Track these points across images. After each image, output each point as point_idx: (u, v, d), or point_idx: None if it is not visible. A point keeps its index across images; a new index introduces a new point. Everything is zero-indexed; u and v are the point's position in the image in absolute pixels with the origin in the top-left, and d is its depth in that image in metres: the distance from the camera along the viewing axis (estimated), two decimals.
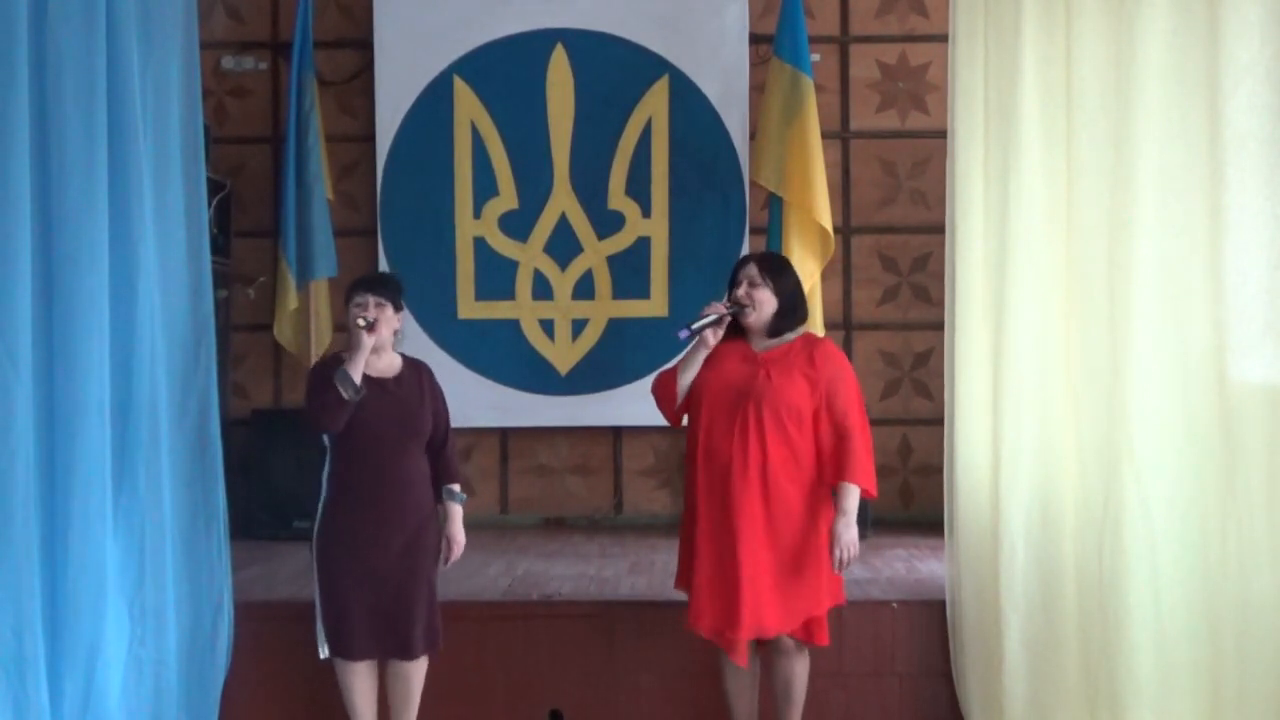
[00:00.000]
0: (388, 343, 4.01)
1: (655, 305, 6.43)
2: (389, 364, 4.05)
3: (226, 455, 4.41)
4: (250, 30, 6.67)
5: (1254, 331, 3.98)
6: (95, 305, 3.73)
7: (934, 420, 5.25)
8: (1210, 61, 4.00)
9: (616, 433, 6.57)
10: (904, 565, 5.25)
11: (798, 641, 3.96)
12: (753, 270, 3.95)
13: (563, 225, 6.46)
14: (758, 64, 6.38)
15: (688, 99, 6.41)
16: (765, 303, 3.92)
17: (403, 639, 3.94)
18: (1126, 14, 4.09)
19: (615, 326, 6.44)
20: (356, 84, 6.58)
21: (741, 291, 3.93)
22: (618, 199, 6.45)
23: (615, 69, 6.42)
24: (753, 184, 6.23)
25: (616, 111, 6.44)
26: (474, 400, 6.16)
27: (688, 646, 4.08)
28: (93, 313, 3.72)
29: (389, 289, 4.02)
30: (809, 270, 5.78)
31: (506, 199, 6.46)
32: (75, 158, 3.69)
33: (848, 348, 6.48)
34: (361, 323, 3.90)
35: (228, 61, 6.63)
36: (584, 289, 6.46)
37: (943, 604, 4.47)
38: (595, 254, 6.45)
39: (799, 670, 4.02)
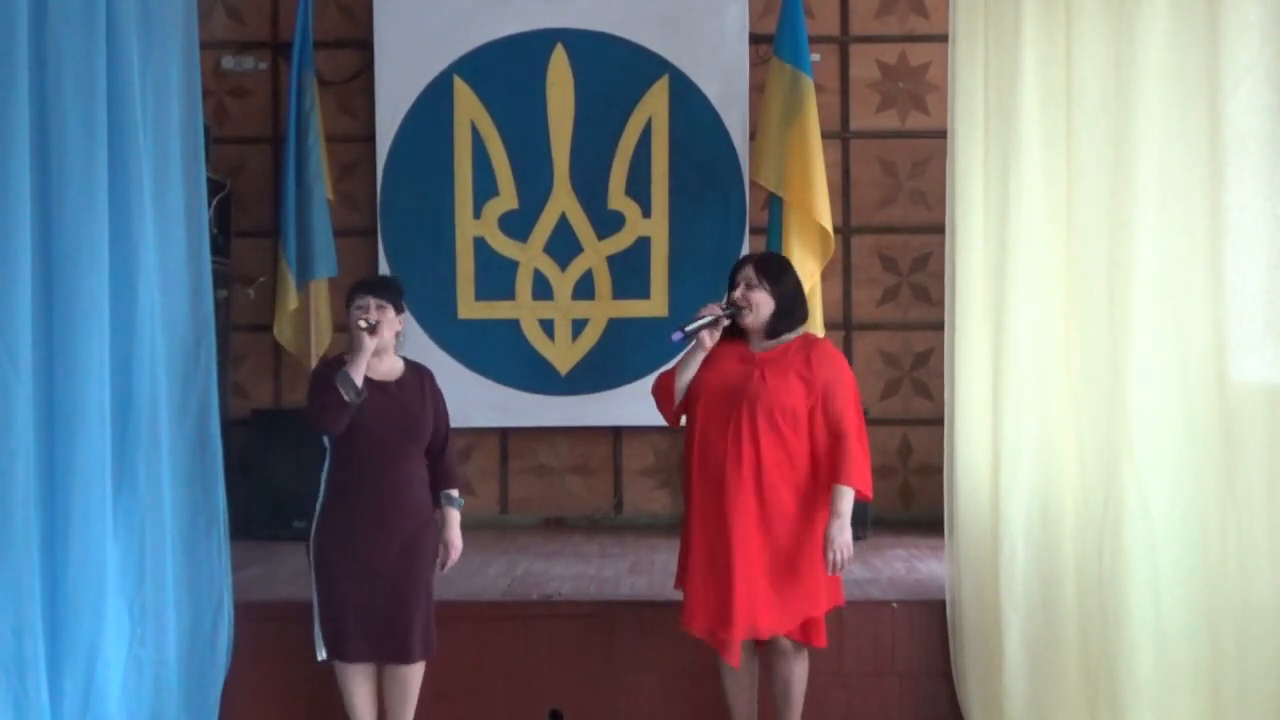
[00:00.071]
0: (390, 345, 4.01)
1: (655, 305, 6.43)
2: (391, 367, 4.04)
3: (226, 455, 4.41)
4: (250, 30, 6.67)
5: (1254, 331, 3.97)
6: (95, 305, 3.73)
7: (934, 420, 5.25)
8: (1210, 61, 3.99)
9: (616, 433, 6.57)
10: (904, 565, 5.25)
11: (795, 643, 3.96)
12: (750, 272, 3.95)
13: (563, 225, 6.46)
14: (758, 64, 6.37)
15: (688, 99, 6.41)
16: (762, 304, 3.91)
17: (400, 643, 3.93)
18: (1126, 14, 4.09)
19: (615, 326, 6.44)
20: (356, 84, 6.59)
21: (738, 293, 3.93)
22: (618, 199, 6.45)
23: (615, 69, 6.42)
24: (753, 184, 6.23)
25: (616, 111, 6.43)
26: (474, 400, 6.16)
27: (688, 646, 4.07)
28: (93, 313, 3.72)
29: (390, 291, 4.02)
30: (809, 270, 5.77)
31: (506, 199, 6.46)
32: (75, 158, 3.69)
33: (848, 348, 6.48)
34: (363, 325, 3.90)
35: (228, 61, 6.63)
36: (584, 289, 6.46)
37: (943, 604, 4.47)
38: (595, 254, 6.45)
39: (797, 672, 4.01)
